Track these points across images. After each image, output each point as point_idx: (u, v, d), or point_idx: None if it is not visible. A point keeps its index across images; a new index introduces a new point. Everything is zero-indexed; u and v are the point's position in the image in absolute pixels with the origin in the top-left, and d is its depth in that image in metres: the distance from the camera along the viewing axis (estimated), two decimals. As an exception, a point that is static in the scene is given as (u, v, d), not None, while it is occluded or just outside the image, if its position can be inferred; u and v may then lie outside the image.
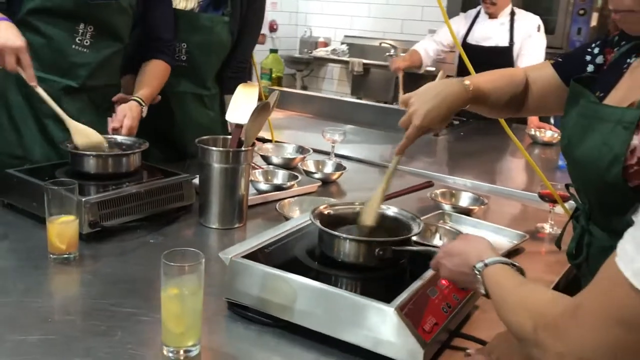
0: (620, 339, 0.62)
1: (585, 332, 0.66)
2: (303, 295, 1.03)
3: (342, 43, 5.98)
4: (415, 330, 0.95)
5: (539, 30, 3.15)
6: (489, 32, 3.21)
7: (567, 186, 1.13)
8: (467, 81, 1.21)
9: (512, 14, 3.19)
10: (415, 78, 3.43)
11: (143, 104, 1.74)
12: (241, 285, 1.08)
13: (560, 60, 1.23)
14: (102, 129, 1.62)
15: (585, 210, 1.05)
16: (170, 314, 0.95)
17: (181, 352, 0.95)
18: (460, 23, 3.33)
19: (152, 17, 1.84)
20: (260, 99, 2.29)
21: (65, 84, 1.69)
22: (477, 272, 0.90)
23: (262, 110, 1.47)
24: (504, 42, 3.17)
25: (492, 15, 3.19)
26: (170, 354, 0.95)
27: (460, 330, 1.10)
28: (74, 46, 1.68)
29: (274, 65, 3.37)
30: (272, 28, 5.79)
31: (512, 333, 0.81)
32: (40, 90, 1.50)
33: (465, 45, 3.23)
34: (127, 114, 1.67)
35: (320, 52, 5.93)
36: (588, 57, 1.15)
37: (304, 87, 6.27)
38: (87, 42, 1.70)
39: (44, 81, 1.58)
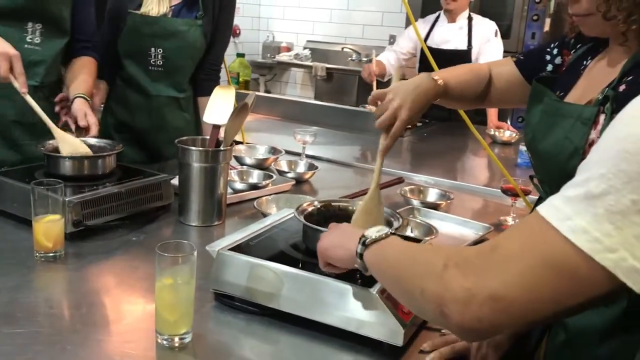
0: (544, 279, 0.63)
1: (502, 269, 0.66)
2: (289, 284, 1.08)
3: (305, 48, 6.06)
4: (396, 312, 1.02)
5: (496, 35, 3.30)
6: (448, 36, 3.34)
7: (531, 177, 1.22)
8: (436, 76, 1.30)
9: (470, 18, 3.33)
10: (381, 85, 3.53)
11: (89, 100, 1.77)
12: (228, 277, 1.14)
13: (522, 58, 1.33)
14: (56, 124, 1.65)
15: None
16: (165, 302, 0.99)
17: (176, 339, 1.00)
18: (419, 28, 3.45)
19: (79, 16, 1.86)
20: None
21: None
22: (358, 256, 0.90)
23: (241, 111, 1.52)
24: (463, 46, 3.30)
25: (451, 16, 3.32)
26: (165, 342, 1.00)
27: (435, 313, 1.17)
28: (26, 45, 1.71)
29: (241, 69, 3.42)
30: (235, 33, 5.82)
31: (405, 287, 0.78)
32: (29, 99, 1.53)
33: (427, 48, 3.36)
34: (87, 112, 1.70)
35: (283, 57, 5.99)
36: (548, 57, 1.25)
37: (268, 92, 6.31)
38: (37, 40, 1.74)
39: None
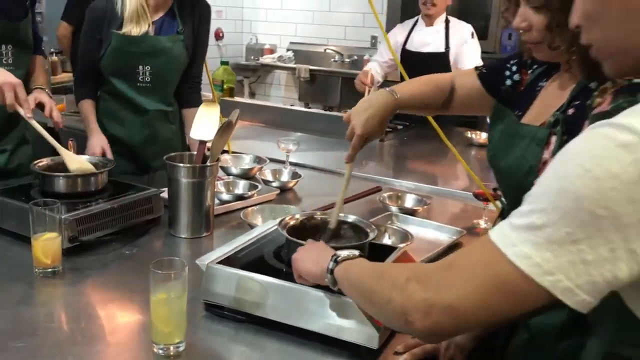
0: (492, 294, 0.74)
1: (457, 285, 0.76)
2: (274, 294, 1.18)
3: (288, 49, 6.14)
4: (371, 318, 1.11)
5: (472, 36, 3.40)
6: (426, 39, 3.44)
7: (494, 190, 1.33)
8: (395, 90, 1.42)
9: (447, 22, 3.43)
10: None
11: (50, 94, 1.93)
12: (218, 288, 1.23)
13: (484, 71, 1.44)
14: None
15: (509, 210, 1.24)
16: (160, 315, 1.08)
17: (171, 348, 1.09)
18: (398, 32, 3.55)
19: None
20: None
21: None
22: (329, 271, 1.02)
23: (226, 128, 1.61)
24: (441, 48, 3.40)
25: (429, 20, 3.42)
26: (161, 351, 1.09)
27: (410, 317, 1.27)
28: (5, 67, 1.82)
29: (225, 76, 3.50)
30: (218, 36, 5.90)
31: (373, 299, 0.88)
32: (34, 123, 1.64)
33: (405, 51, 3.46)
34: (53, 107, 1.84)
35: (266, 59, 6.07)
36: (507, 73, 1.35)
37: (252, 94, 6.40)
38: (10, 61, 1.90)
39: None
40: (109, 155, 1.99)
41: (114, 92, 2.12)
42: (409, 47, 3.47)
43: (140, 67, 2.06)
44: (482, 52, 3.45)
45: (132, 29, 2.02)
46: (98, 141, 2.02)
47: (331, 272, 1.01)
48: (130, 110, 2.12)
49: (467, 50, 3.35)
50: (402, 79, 1.88)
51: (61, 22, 4.49)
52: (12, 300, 1.26)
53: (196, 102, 2.21)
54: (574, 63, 1.07)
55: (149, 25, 2.04)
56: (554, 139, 1.07)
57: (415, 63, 3.36)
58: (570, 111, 1.06)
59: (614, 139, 0.66)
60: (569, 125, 1.04)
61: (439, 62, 3.36)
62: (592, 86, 1.06)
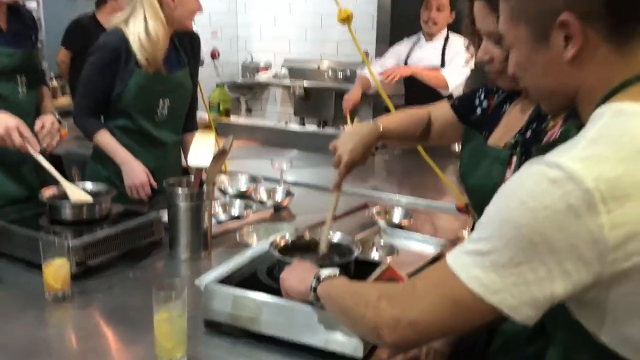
0: (448, 311, 0.86)
1: (418, 302, 0.88)
2: (267, 310, 1.28)
3: (283, 66, 6.27)
4: (356, 329, 1.21)
5: (468, 49, 3.48)
6: (425, 55, 3.55)
7: (465, 205, 1.44)
8: (379, 122, 1.53)
9: (446, 38, 3.54)
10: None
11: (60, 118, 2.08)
12: (215, 306, 1.33)
13: (456, 102, 1.55)
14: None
15: (479, 224, 1.35)
16: (162, 332, 1.19)
17: (173, 362, 1.19)
18: (402, 47, 3.69)
19: None
20: (210, 127, 2.55)
21: None
22: (312, 289, 1.13)
23: (220, 155, 1.72)
24: (436, 63, 3.51)
25: (429, 38, 3.53)
26: (164, 365, 1.19)
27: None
28: (19, 96, 1.99)
29: (221, 97, 3.62)
30: (214, 56, 6.02)
31: (350, 315, 1.00)
32: (40, 158, 1.76)
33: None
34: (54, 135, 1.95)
35: (262, 77, 6.20)
36: (477, 102, 1.47)
37: (249, 110, 6.52)
38: (25, 90, 2.02)
39: None
40: (152, 181, 2.09)
41: (128, 126, 2.15)
42: (409, 62, 3.60)
43: (161, 103, 2.15)
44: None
45: (147, 66, 2.06)
46: (140, 167, 2.10)
47: (314, 289, 1.13)
48: (146, 143, 2.16)
49: (454, 62, 3.43)
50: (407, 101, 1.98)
51: (61, 48, 4.62)
52: (26, 322, 1.37)
53: (194, 126, 2.36)
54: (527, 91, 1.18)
55: (160, 64, 2.10)
56: (514, 159, 1.18)
57: (414, 79, 3.50)
58: (528, 134, 1.18)
59: (545, 175, 0.78)
60: (527, 147, 1.16)
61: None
62: (547, 110, 1.17)
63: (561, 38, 0.85)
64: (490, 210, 0.85)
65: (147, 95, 2.12)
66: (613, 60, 0.85)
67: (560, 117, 1.15)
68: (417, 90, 3.46)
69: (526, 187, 0.79)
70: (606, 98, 0.85)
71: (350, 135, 1.52)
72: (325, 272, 1.14)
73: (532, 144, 1.16)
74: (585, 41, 0.84)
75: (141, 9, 2.02)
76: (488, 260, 0.82)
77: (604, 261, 0.76)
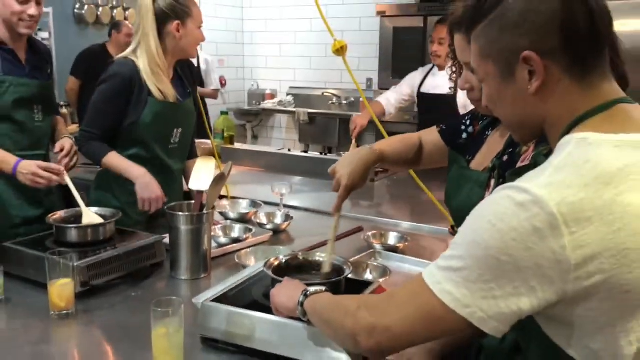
0: (421, 321, 0.92)
1: (394, 312, 0.95)
2: (261, 327, 1.33)
3: (288, 94, 6.39)
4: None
5: None
6: (438, 82, 3.65)
7: (452, 227, 1.50)
8: (375, 147, 1.60)
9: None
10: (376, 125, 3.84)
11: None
12: (212, 323, 1.39)
13: (444, 128, 1.63)
14: None
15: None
16: (160, 348, 1.25)
17: (170, 377, 1.25)
18: (417, 75, 3.83)
19: None
20: (213, 154, 2.62)
21: (37, 154, 2.16)
22: (299, 304, 1.19)
23: (219, 180, 1.79)
24: (449, 91, 3.62)
25: (440, 67, 3.65)
26: (162, 380, 1.25)
27: (383, 344, 1.42)
28: (36, 124, 2.17)
29: (225, 124, 3.71)
30: (221, 83, 6.16)
31: (332, 325, 1.07)
32: (68, 180, 1.95)
33: (420, 94, 3.75)
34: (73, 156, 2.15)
35: (268, 104, 6.32)
36: (463, 127, 1.54)
37: (255, 137, 6.64)
38: (40, 118, 2.19)
39: (25, 157, 2.03)
40: (165, 198, 2.12)
41: (141, 155, 2.19)
42: (423, 89, 3.73)
43: (175, 131, 2.23)
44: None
45: (166, 94, 2.14)
46: (155, 182, 2.11)
47: (301, 304, 1.19)
48: (157, 171, 2.18)
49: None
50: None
51: (70, 77, 4.76)
52: (32, 339, 1.43)
53: (195, 154, 2.46)
54: None
55: (173, 94, 2.18)
56: (492, 182, 1.24)
57: (428, 104, 3.66)
58: (505, 158, 1.24)
59: (514, 199, 0.84)
60: (504, 170, 1.22)
61: (446, 103, 3.57)
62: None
63: (525, 73, 0.92)
64: (463, 230, 0.91)
65: (163, 124, 2.19)
66: (575, 92, 0.92)
67: (532, 142, 1.22)
68: (427, 112, 3.62)
69: (495, 210, 0.86)
70: (570, 128, 0.92)
71: (349, 159, 1.59)
72: (312, 288, 1.21)
73: (508, 168, 1.23)
74: (548, 75, 0.91)
75: (144, 43, 2.10)
76: (460, 277, 0.88)
77: (566, 279, 0.82)
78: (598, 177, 0.83)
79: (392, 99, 3.78)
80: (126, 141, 2.18)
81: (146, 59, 2.10)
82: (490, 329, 0.87)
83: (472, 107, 3.39)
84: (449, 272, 0.90)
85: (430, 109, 3.58)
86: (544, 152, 1.15)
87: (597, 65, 0.93)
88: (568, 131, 0.92)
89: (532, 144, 1.21)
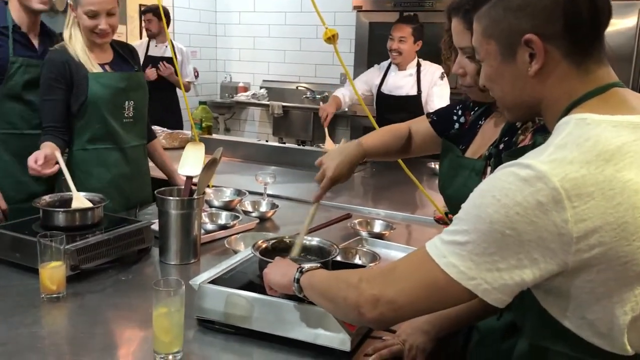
0: (425, 293, 0.96)
1: (397, 284, 0.97)
2: (258, 307, 1.35)
3: (262, 87, 6.38)
4: (344, 324, 1.28)
5: (442, 78, 3.63)
6: (399, 83, 3.67)
7: (446, 214, 1.54)
8: (362, 142, 1.64)
9: (419, 65, 3.67)
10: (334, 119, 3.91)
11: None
12: (208, 305, 1.40)
13: (435, 118, 1.66)
14: None
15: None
16: (161, 327, 1.25)
17: (170, 356, 1.25)
18: (374, 74, 3.79)
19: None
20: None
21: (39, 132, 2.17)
22: (295, 281, 1.21)
23: (211, 164, 1.80)
24: (413, 92, 3.63)
25: (400, 66, 3.66)
26: (162, 359, 1.25)
27: (377, 324, 1.46)
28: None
29: (203, 115, 3.70)
30: (195, 75, 6.11)
31: (332, 298, 1.09)
32: (61, 162, 1.92)
33: (380, 94, 3.71)
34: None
35: (241, 97, 6.30)
36: (455, 117, 1.58)
37: (227, 130, 6.60)
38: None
39: (30, 135, 2.21)
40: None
41: (102, 135, 2.20)
42: (383, 89, 3.70)
43: (126, 103, 2.23)
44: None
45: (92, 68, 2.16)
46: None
47: (297, 281, 1.21)
48: (117, 151, 2.24)
49: (437, 91, 3.57)
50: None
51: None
52: (25, 321, 1.41)
53: (154, 136, 2.53)
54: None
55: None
56: (489, 169, 1.28)
57: (390, 105, 3.63)
58: (501, 146, 1.29)
59: (518, 175, 0.88)
60: (500, 158, 1.26)
61: (411, 104, 3.60)
62: (518, 125, 1.29)
63: (526, 55, 0.96)
64: (467, 206, 0.94)
65: (112, 94, 2.19)
66: (573, 76, 0.97)
67: (529, 130, 1.26)
68: (388, 112, 3.61)
69: (500, 185, 0.89)
70: (568, 110, 0.96)
71: (337, 152, 1.63)
72: (307, 265, 1.24)
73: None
74: (548, 59, 0.95)
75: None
76: (464, 250, 0.91)
77: (568, 251, 0.86)
78: (599, 154, 0.87)
79: (347, 96, 3.79)
80: (83, 123, 2.20)
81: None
82: (494, 300, 0.91)
83: (436, 105, 3.49)
84: (454, 245, 0.93)
85: (392, 110, 3.59)
86: (540, 139, 1.19)
87: (595, 52, 0.97)
88: (566, 113, 0.96)
89: (530, 134, 1.25)
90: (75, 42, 2.16)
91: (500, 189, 0.89)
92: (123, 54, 2.31)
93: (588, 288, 0.90)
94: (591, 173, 0.86)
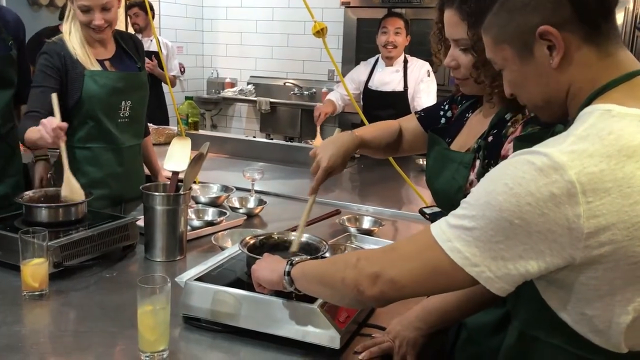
0: (427, 275, 0.95)
1: (399, 264, 0.97)
2: (245, 305, 1.33)
3: (249, 83, 6.34)
4: (333, 322, 1.27)
5: (429, 75, 3.61)
6: (386, 79, 3.65)
7: (422, 210, 1.53)
8: (356, 133, 1.61)
9: (405, 61, 3.66)
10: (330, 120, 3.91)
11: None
12: (195, 302, 1.37)
13: (423, 114, 1.65)
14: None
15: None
16: (146, 325, 1.22)
17: (156, 355, 1.22)
18: (361, 71, 3.76)
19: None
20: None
21: None
22: (286, 274, 1.20)
23: (198, 160, 1.77)
24: (400, 88, 3.61)
25: (389, 61, 3.64)
26: (147, 358, 1.22)
27: (367, 321, 1.44)
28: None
29: (190, 110, 3.66)
30: (181, 71, 6.06)
31: (329, 282, 1.08)
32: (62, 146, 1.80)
33: (367, 90, 3.69)
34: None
35: (228, 93, 6.25)
36: (441, 112, 1.57)
37: (214, 126, 6.55)
38: None
39: None
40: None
41: (96, 134, 2.15)
42: (370, 85, 3.68)
43: (123, 103, 2.16)
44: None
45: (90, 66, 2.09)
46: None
47: (288, 273, 1.19)
48: (111, 151, 2.17)
49: (424, 88, 3.56)
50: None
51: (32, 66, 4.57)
52: (5, 320, 1.38)
53: (147, 132, 2.46)
54: (495, 95, 1.28)
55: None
56: (477, 162, 1.27)
57: (377, 101, 3.61)
58: (490, 138, 1.27)
59: (533, 164, 0.85)
60: (489, 150, 1.25)
61: (398, 100, 3.58)
62: (507, 117, 1.28)
63: (544, 49, 0.94)
64: (477, 191, 0.92)
65: (109, 95, 2.12)
66: (595, 61, 0.94)
67: (519, 122, 1.25)
68: (376, 108, 3.58)
69: (513, 173, 0.86)
70: (591, 99, 0.93)
71: (330, 143, 1.59)
72: (297, 258, 1.22)
73: (493, 148, 1.25)
74: (567, 47, 0.92)
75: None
76: (470, 236, 0.89)
77: (577, 247, 0.84)
78: (621, 149, 0.84)
79: (339, 99, 3.76)
80: (77, 121, 2.13)
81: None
82: (497, 288, 0.89)
83: (423, 101, 3.48)
84: (460, 230, 0.91)
85: (379, 106, 3.57)
86: (532, 130, 1.18)
87: (611, 32, 0.94)
88: (589, 102, 0.93)
89: (520, 125, 1.24)
90: (73, 37, 2.09)
91: (513, 177, 0.86)
92: (126, 47, 2.24)
93: (592, 285, 0.88)
94: (611, 168, 0.83)
